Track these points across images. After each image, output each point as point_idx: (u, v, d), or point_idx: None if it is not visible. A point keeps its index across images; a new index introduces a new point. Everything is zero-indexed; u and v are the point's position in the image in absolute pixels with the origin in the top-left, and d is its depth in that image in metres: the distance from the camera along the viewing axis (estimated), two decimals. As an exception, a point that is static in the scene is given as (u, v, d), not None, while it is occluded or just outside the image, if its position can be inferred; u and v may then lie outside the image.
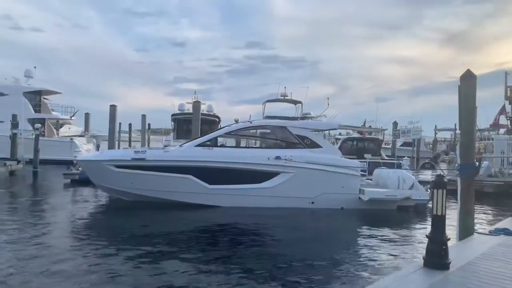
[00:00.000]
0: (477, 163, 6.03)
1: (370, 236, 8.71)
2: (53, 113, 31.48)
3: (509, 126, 25.28)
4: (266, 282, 5.61)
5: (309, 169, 11.63)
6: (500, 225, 6.69)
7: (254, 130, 14.43)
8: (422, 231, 9.25)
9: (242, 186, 11.50)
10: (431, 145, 43.93)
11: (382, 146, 24.36)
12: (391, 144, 30.29)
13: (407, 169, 15.43)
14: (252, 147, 15.88)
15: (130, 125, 42.36)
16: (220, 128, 15.54)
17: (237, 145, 17.06)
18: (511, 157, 18.24)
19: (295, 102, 20.53)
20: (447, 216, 4.30)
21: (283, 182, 11.57)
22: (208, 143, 11.97)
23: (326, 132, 23.49)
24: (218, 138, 12.74)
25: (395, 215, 11.51)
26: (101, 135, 35.22)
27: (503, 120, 26.58)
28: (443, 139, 52.82)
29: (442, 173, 16.37)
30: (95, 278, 5.58)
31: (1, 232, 7.98)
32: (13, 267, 5.88)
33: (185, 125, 22.27)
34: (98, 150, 23.68)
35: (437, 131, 47.61)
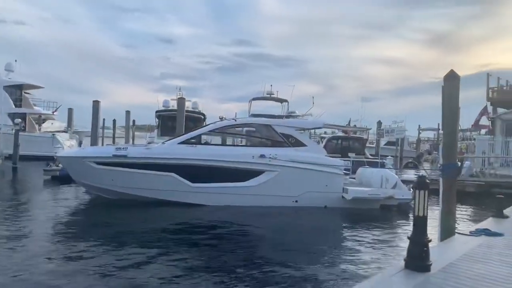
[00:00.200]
0: (459, 163, 6.04)
1: (353, 237, 8.70)
2: (35, 108, 30.78)
3: (490, 127, 25.70)
4: (244, 282, 5.53)
5: (293, 167, 11.58)
6: (481, 225, 6.73)
7: (239, 128, 14.34)
8: (404, 231, 9.29)
9: (226, 184, 11.39)
10: (414, 145, 44.43)
11: (367, 145, 24.52)
12: (375, 143, 30.51)
13: (390, 168, 15.52)
14: (237, 145, 15.77)
15: (114, 121, 41.74)
16: (204, 126, 15.38)
17: (223, 143, 16.95)
18: (492, 157, 18.56)
19: (281, 101, 20.58)
20: (429, 216, 4.27)
21: (267, 180, 11.51)
22: (191, 140, 11.83)
23: (312, 131, 23.52)
24: (203, 136, 12.61)
25: (378, 214, 11.56)
26: (84, 131, 34.65)
27: (484, 120, 27.03)
28: (426, 139, 53.52)
29: (425, 173, 16.58)
30: (73, 279, 5.43)
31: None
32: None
33: (170, 122, 21.99)
34: (80, 146, 23.27)
35: (420, 131, 48.18)
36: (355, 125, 26.14)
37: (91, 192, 12.39)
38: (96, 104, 20.69)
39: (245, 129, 15.02)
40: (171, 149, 11.46)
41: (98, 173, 11.27)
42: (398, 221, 10.69)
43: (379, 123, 29.66)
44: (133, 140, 36.33)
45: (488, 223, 7.05)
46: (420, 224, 4.16)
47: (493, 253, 4.98)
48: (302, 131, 12.90)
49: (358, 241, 8.26)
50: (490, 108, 26.44)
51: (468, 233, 6.01)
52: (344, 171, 12.52)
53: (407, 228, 9.52)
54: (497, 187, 14.63)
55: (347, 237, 8.80)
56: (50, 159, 18.13)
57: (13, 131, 20.39)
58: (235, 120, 13.40)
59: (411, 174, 19.40)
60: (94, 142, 20.73)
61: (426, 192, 4.15)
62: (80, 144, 25.79)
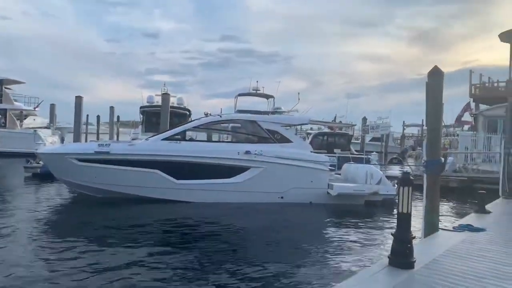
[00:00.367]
0: (443, 159, 6.06)
1: (337, 234, 8.68)
2: (16, 103, 30.11)
3: (473, 123, 26.09)
4: (227, 280, 5.47)
5: (279, 164, 11.53)
6: (464, 221, 6.79)
7: (225, 124, 14.21)
8: (389, 227, 9.33)
9: (211, 181, 11.29)
10: (399, 141, 44.92)
11: (352, 141, 24.64)
12: (360, 139, 30.72)
13: (375, 164, 15.60)
14: (222, 142, 15.64)
15: (98, 117, 41.11)
16: (189, 122, 15.21)
17: (208, 140, 16.80)
18: (475, 153, 18.82)
19: (267, 97, 20.46)
20: (413, 212, 4.25)
21: (252, 177, 11.43)
22: (176, 136, 11.67)
23: (299, 127, 23.54)
24: (187, 132, 12.45)
25: (363, 209, 11.60)
26: (67, 127, 34.02)
27: (467, 117, 27.43)
28: (410, 135, 54.21)
29: (409, 169, 16.73)
30: (56, 280, 5.28)
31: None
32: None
33: (154, 118, 21.70)
34: (62, 142, 22.81)
35: (405, 127, 48.79)
36: (340, 121, 26.25)
37: (74, 190, 12.14)
38: (78, 99, 20.29)
39: (230, 125, 14.89)
40: (155, 145, 11.29)
41: (80, 170, 11.03)
42: (382, 217, 10.73)
43: (364, 119, 29.88)
44: (117, 136, 35.84)
45: (471, 218, 7.12)
46: (404, 221, 4.15)
47: (476, 249, 5.01)
48: (288, 127, 12.86)
49: (343, 238, 8.25)
50: (472, 105, 26.85)
51: (452, 229, 6.05)
52: (330, 167, 12.53)
53: (392, 224, 9.57)
54: (479, 182, 14.83)
55: (332, 234, 8.77)
56: (31, 155, 17.72)
57: (-7, 127, 19.85)
58: (220, 116, 13.27)
59: (395, 170, 19.58)
60: (77, 139, 20.36)
61: (410, 188, 4.13)
62: (62, 140, 25.26)
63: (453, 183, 15.10)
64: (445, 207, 11.52)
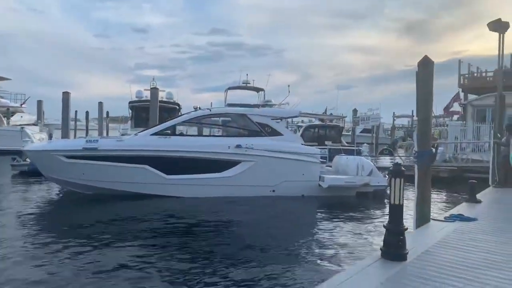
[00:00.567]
0: (434, 149, 6.03)
1: (329, 226, 8.62)
2: (2, 100, 29.60)
3: (462, 113, 26.27)
4: (213, 274, 5.41)
5: (270, 157, 11.47)
6: (455, 211, 6.80)
7: (215, 118, 14.09)
8: (380, 218, 9.34)
9: (201, 175, 11.19)
10: (389, 132, 45.14)
11: (343, 133, 24.68)
12: (351, 131, 30.80)
13: (366, 155, 15.62)
14: (213, 136, 15.53)
15: (87, 113, 40.62)
16: (179, 116, 15.06)
17: (199, 134, 16.68)
18: (464, 142, 18.98)
19: (257, 90, 20.39)
20: (404, 203, 4.21)
21: (243, 171, 11.35)
22: (165, 131, 11.54)
23: (289, 119, 23.49)
24: (177, 127, 12.31)
25: (354, 201, 11.61)
26: (56, 123, 33.49)
27: (457, 107, 27.61)
28: (401, 126, 54.51)
29: (400, 159, 16.79)
30: (45, 281, 5.18)
31: None
32: None
33: (144, 113, 21.45)
34: (50, 139, 22.47)
35: (395, 118, 49.02)
36: (331, 114, 26.29)
37: (63, 187, 11.96)
38: (65, 95, 20.01)
39: (220, 119, 14.79)
40: (144, 140, 11.14)
41: (68, 167, 10.85)
42: (374, 209, 10.75)
43: (355, 111, 29.98)
44: (107, 132, 35.46)
45: (462, 208, 7.14)
46: (396, 212, 4.11)
47: (467, 239, 5.01)
48: (279, 120, 12.79)
49: (335, 230, 8.22)
50: (461, 95, 27.02)
51: (443, 219, 6.05)
52: (321, 160, 12.51)
53: (383, 215, 9.59)
54: (469, 172, 14.96)
55: (324, 227, 8.73)
56: (18, 153, 17.43)
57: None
58: (210, 110, 13.14)
59: (386, 161, 19.67)
60: (65, 135, 20.12)
61: (402, 180, 4.09)
62: (50, 137, 24.90)
63: (443, 173, 15.19)
64: (435, 197, 11.55)
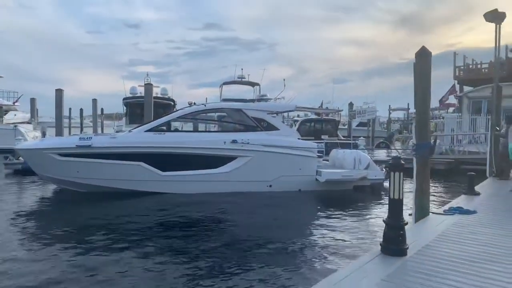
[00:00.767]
0: (432, 142, 5.94)
1: (328, 221, 8.52)
2: (-6, 98, 29.24)
3: (457, 105, 26.26)
4: (212, 272, 5.33)
5: (266, 152, 11.36)
6: (454, 203, 6.73)
7: (210, 114, 13.93)
8: (378, 212, 9.28)
9: (197, 172, 11.07)
10: (385, 125, 45.14)
11: (339, 127, 24.61)
12: (347, 125, 30.74)
13: (363, 149, 15.55)
14: (208, 131, 15.40)
15: (81, 110, 40.41)
16: (173, 112, 14.90)
17: (194, 130, 16.54)
18: (460, 134, 18.95)
19: (252, 84, 20.21)
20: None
21: (240, 166, 11.25)
22: (159, 127, 11.39)
23: (285, 114, 23.39)
24: (173, 123, 12.16)
25: (352, 195, 11.55)
26: (50, 121, 33.18)
27: (452, 99, 27.59)
28: (396, 119, 54.55)
29: (396, 152, 16.72)
30: (41, 277, 5.12)
31: None
32: None
33: (138, 109, 21.23)
34: (44, 137, 22.25)
35: (390, 111, 49.03)
36: (327, 107, 26.16)
37: (57, 185, 11.80)
38: (58, 92, 19.75)
39: (216, 114, 14.64)
40: (138, 137, 10.99)
41: (61, 165, 10.69)
42: (372, 202, 10.69)
43: (351, 104, 29.90)
44: (102, 129, 35.23)
45: (461, 200, 7.08)
46: (396, 207, 4.02)
47: (468, 232, 4.94)
48: (275, 115, 12.67)
49: (333, 225, 8.10)
50: (457, 87, 27.00)
51: (442, 212, 5.98)
52: (318, 154, 12.41)
53: (382, 209, 9.53)
54: (466, 164, 14.94)
55: (322, 222, 8.62)
56: (11, 152, 17.21)
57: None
58: (205, 105, 12.99)
59: (383, 154, 19.63)
60: (59, 133, 19.89)
61: (401, 173, 3.99)
62: (44, 135, 24.67)
63: (439, 165, 15.15)
64: (433, 190, 11.50)
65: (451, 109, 28.71)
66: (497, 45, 10.69)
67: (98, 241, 6.79)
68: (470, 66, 27.03)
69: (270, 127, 11.88)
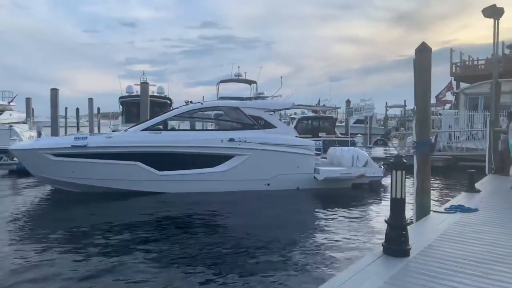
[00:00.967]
0: (433, 140, 5.84)
1: (327, 221, 8.45)
2: (-12, 98, 28.94)
3: (454, 101, 26.22)
4: (211, 273, 5.23)
5: (264, 150, 11.25)
6: (455, 201, 6.65)
7: (207, 112, 13.81)
8: (378, 210, 9.19)
9: (194, 171, 10.95)
10: (382, 122, 45.11)
11: (336, 124, 24.52)
12: (344, 122, 30.68)
13: (361, 146, 15.47)
14: (205, 130, 15.27)
15: (77, 109, 40.08)
16: (170, 111, 14.76)
17: (192, 128, 16.38)
18: (458, 131, 18.90)
19: (249, 82, 20.09)
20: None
21: (237, 165, 11.14)
22: (155, 126, 11.26)
23: (282, 112, 23.27)
24: (169, 122, 12.01)
25: (350, 193, 11.47)
26: (46, 121, 32.91)
27: (449, 96, 27.55)
28: (393, 116, 54.55)
29: (394, 150, 16.64)
30: (38, 277, 5.07)
31: None
32: None
33: (134, 108, 21.03)
34: (40, 137, 22.06)
35: (387, 108, 48.99)
36: (324, 105, 26.07)
37: (53, 186, 11.65)
38: (54, 92, 19.60)
39: (213, 112, 14.50)
40: (134, 136, 10.86)
41: (56, 166, 10.55)
42: (370, 200, 10.61)
43: (348, 102, 29.80)
44: (98, 128, 34.99)
45: (462, 198, 7.00)
46: (398, 206, 3.92)
47: (471, 231, 4.85)
48: (272, 113, 12.55)
49: (333, 226, 7.98)
50: (454, 83, 26.96)
51: (444, 211, 5.89)
52: (316, 152, 12.33)
53: (381, 207, 9.45)
54: (464, 160, 14.90)
55: (321, 221, 8.54)
56: (5, 152, 17.01)
57: (-36, 124, 18.98)
58: (202, 104, 12.86)
59: (380, 151, 19.56)
60: (54, 133, 19.72)
61: (403, 172, 3.89)
62: (39, 134, 24.46)
63: (438, 162, 15.09)
64: (432, 187, 11.43)
65: (447, 106, 28.69)
66: (496, 40, 10.62)
67: (93, 242, 6.69)
68: (467, 63, 27.03)
69: (267, 125, 11.77)
